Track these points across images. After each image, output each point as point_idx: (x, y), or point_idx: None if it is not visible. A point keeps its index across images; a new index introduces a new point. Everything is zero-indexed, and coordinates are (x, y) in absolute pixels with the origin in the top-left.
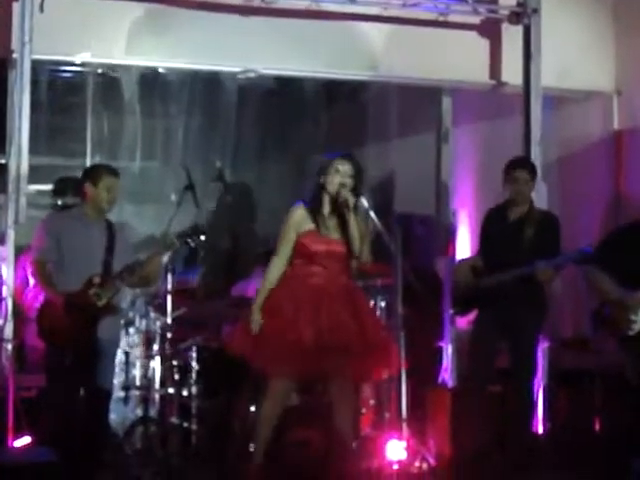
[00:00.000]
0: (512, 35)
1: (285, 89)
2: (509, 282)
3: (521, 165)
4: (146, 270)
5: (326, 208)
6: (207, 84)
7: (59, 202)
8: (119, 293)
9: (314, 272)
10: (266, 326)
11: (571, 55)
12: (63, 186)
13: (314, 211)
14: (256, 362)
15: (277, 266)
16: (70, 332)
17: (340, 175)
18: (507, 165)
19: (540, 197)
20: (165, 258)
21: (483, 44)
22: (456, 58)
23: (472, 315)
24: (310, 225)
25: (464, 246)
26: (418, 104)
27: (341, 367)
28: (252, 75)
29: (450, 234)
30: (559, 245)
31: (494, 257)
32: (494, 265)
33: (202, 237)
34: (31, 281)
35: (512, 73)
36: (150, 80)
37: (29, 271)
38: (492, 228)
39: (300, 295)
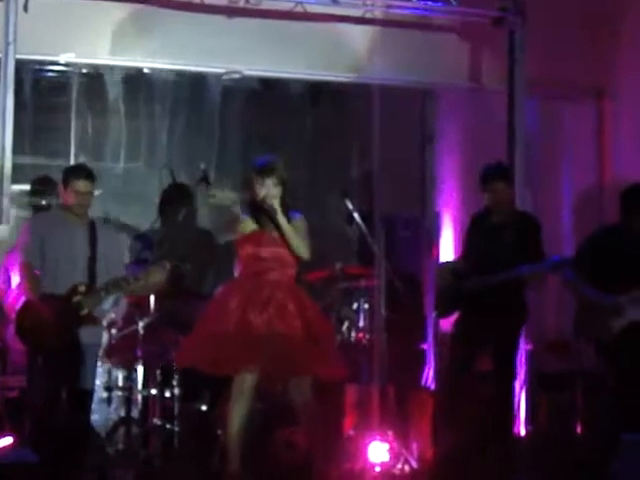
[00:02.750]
0: (495, 38)
1: (269, 90)
2: (493, 285)
3: (497, 176)
4: (137, 285)
5: (263, 217)
6: (191, 85)
7: (42, 202)
8: (102, 304)
9: (262, 270)
10: (215, 326)
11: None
12: (41, 186)
13: (257, 220)
14: (212, 367)
15: None
16: (50, 334)
17: (264, 188)
18: (482, 175)
19: (524, 203)
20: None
21: (466, 46)
22: (439, 60)
23: (454, 317)
24: (255, 228)
25: (448, 248)
26: (402, 105)
27: (292, 357)
28: (237, 76)
29: (434, 236)
30: (541, 247)
31: (476, 261)
32: (476, 269)
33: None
34: (13, 282)
35: (496, 75)
36: (134, 80)
37: (14, 272)
38: (475, 233)
39: (247, 291)
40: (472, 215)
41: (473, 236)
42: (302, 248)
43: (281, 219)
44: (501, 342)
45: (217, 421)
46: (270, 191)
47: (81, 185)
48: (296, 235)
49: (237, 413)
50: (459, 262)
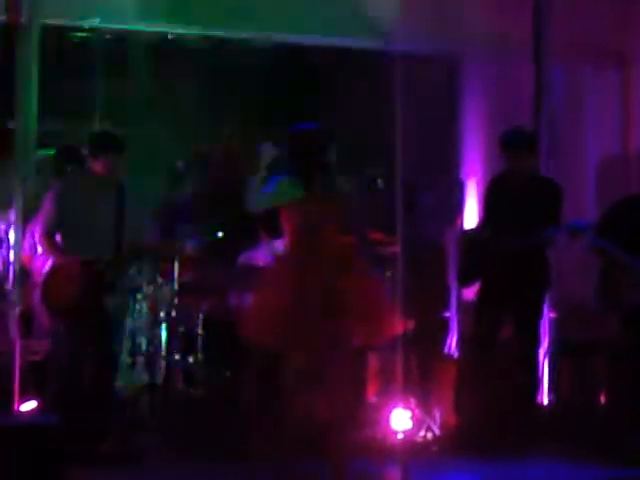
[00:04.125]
0: (521, 4)
1: (295, 56)
2: (515, 251)
3: (518, 142)
4: (162, 252)
5: (311, 179)
6: (216, 50)
7: (68, 168)
8: (126, 271)
9: (312, 240)
10: (274, 301)
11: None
12: (66, 153)
13: (301, 182)
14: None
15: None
16: (75, 299)
17: (327, 154)
18: (503, 140)
19: (549, 171)
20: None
21: (492, 13)
22: (464, 27)
23: (477, 286)
24: (298, 195)
25: (472, 217)
26: (426, 73)
27: (341, 333)
28: (262, 41)
29: (458, 205)
30: (560, 214)
31: (496, 226)
32: (496, 235)
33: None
34: (39, 248)
35: (522, 42)
36: (159, 46)
37: (38, 239)
38: (494, 198)
39: (300, 264)
40: (491, 179)
41: (493, 201)
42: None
43: (335, 179)
44: (523, 308)
45: (241, 386)
46: (330, 157)
47: (111, 157)
48: (344, 199)
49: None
50: (480, 229)
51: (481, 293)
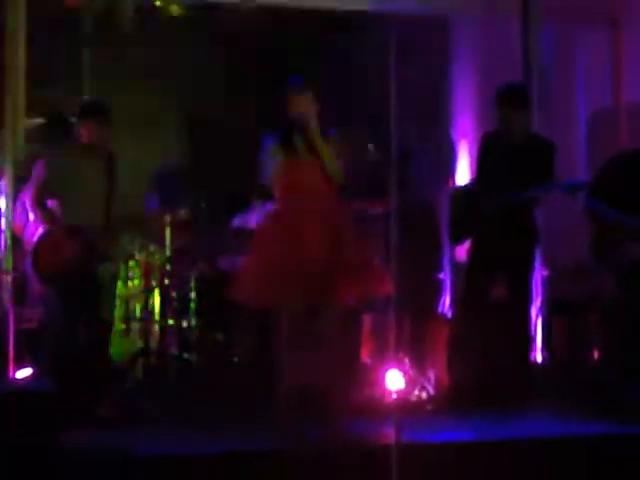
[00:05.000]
0: None
1: (283, 21)
2: (507, 207)
3: (514, 98)
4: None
5: (297, 139)
6: (205, 16)
7: (57, 137)
8: (116, 241)
9: (299, 201)
10: (259, 262)
11: None
12: (56, 121)
13: (285, 144)
14: (259, 301)
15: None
16: (66, 267)
17: (301, 105)
18: (497, 96)
19: (540, 129)
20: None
21: None
22: None
23: (468, 244)
24: (282, 157)
25: (464, 177)
26: (415, 35)
27: (330, 289)
28: (251, 5)
29: (450, 165)
30: (553, 171)
31: (490, 183)
32: (489, 191)
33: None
34: (31, 216)
35: (510, 1)
36: (147, 13)
37: (29, 207)
38: (488, 154)
39: (286, 225)
40: (484, 135)
41: (486, 157)
42: (336, 169)
43: (318, 138)
44: (514, 265)
45: (234, 349)
46: (307, 108)
47: (101, 126)
48: (331, 156)
49: (288, 344)
50: (472, 185)
51: (472, 252)
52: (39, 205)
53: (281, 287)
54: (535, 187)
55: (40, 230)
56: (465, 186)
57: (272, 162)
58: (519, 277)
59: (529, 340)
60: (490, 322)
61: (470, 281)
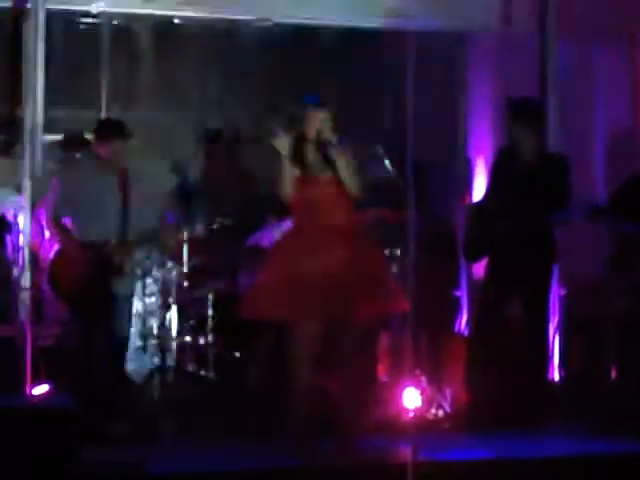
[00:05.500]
0: None
1: (300, 38)
2: (525, 230)
3: (519, 114)
4: (165, 240)
5: (310, 155)
6: (222, 33)
7: (75, 154)
8: (132, 256)
9: (316, 216)
10: (274, 278)
11: None
12: (74, 139)
13: (297, 161)
14: (274, 316)
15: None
16: (82, 284)
17: (319, 122)
18: (509, 111)
19: (557, 146)
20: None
21: None
22: (469, 3)
23: (485, 263)
24: (296, 173)
25: (480, 193)
26: (433, 52)
27: (347, 306)
28: (269, 24)
29: (466, 182)
30: (569, 189)
31: (504, 201)
32: (504, 209)
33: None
34: (47, 233)
35: (528, 17)
36: (165, 30)
37: (44, 224)
38: (502, 171)
39: (303, 240)
40: (499, 151)
41: (500, 174)
42: (355, 183)
43: (336, 153)
44: (531, 285)
45: (252, 367)
46: (324, 125)
47: (117, 144)
48: (350, 170)
49: (303, 359)
50: (486, 202)
51: (488, 269)
52: (55, 222)
53: (296, 303)
54: (555, 212)
55: (56, 247)
56: (479, 203)
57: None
58: (536, 295)
59: (546, 358)
60: (507, 340)
61: (486, 299)
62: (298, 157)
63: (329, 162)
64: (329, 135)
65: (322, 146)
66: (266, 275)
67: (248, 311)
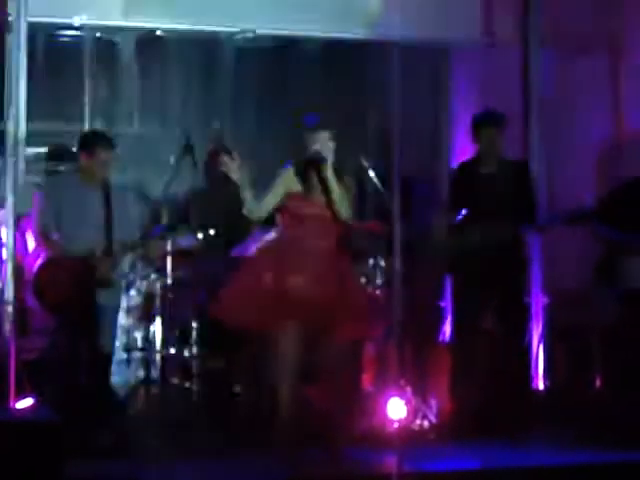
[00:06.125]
0: None
1: (283, 49)
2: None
3: (487, 122)
4: (148, 250)
5: (311, 174)
6: (205, 45)
7: (59, 168)
8: (117, 267)
9: (302, 234)
10: (252, 284)
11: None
12: (57, 152)
13: (301, 176)
14: (246, 323)
15: (253, 210)
16: (67, 296)
17: (318, 142)
18: (473, 122)
19: (539, 157)
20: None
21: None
22: (452, 15)
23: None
24: (298, 187)
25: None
26: (415, 63)
27: (327, 322)
28: (250, 35)
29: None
30: (534, 195)
31: (469, 213)
32: (470, 221)
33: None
34: (30, 246)
35: (509, 28)
36: (148, 42)
37: (30, 236)
38: (464, 183)
39: (286, 254)
40: (459, 164)
41: (462, 186)
42: (345, 209)
43: (331, 177)
44: (503, 297)
45: (236, 379)
46: (325, 145)
47: (103, 153)
48: (344, 195)
49: (286, 371)
50: (455, 216)
51: (459, 282)
52: (42, 235)
53: (279, 315)
54: (525, 221)
55: (40, 260)
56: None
57: (281, 188)
58: (509, 306)
59: (528, 368)
60: (487, 350)
61: (459, 311)
62: (301, 175)
63: (323, 183)
64: (328, 156)
65: (318, 168)
66: (242, 279)
67: (220, 311)
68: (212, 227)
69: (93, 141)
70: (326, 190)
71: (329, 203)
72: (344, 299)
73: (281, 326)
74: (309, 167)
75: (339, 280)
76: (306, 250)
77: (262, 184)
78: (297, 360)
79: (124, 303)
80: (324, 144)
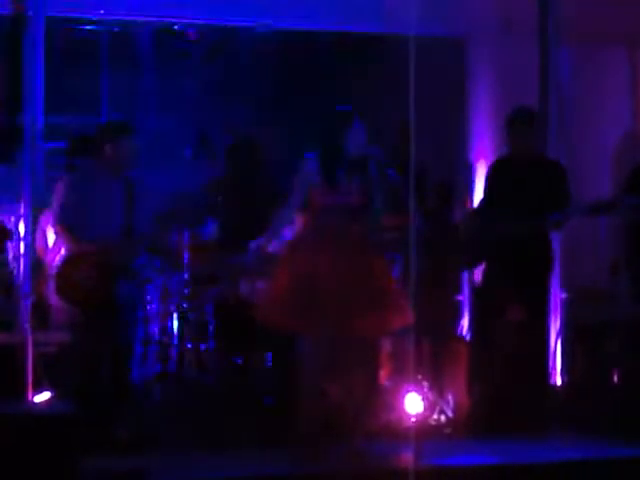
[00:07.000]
0: None
1: (300, 43)
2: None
3: (518, 119)
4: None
5: (339, 163)
6: (221, 39)
7: (77, 161)
8: (136, 257)
9: (326, 225)
10: (291, 284)
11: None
12: (78, 145)
13: (326, 165)
14: (290, 325)
15: (285, 217)
16: (89, 290)
17: (357, 136)
18: (506, 120)
19: (558, 152)
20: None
21: None
22: (469, 7)
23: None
24: (318, 179)
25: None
26: (432, 57)
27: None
28: (267, 29)
29: (467, 188)
30: (569, 194)
31: (501, 208)
32: (501, 216)
33: None
34: (50, 241)
35: (528, 22)
36: (164, 36)
37: (51, 232)
38: (497, 179)
39: (316, 249)
40: (494, 160)
41: (496, 182)
42: (379, 202)
43: (365, 172)
44: (528, 290)
45: (252, 373)
46: (361, 140)
47: (128, 143)
48: (375, 188)
49: (315, 371)
50: (484, 208)
51: (486, 275)
52: (64, 228)
53: (313, 316)
54: (555, 211)
55: (62, 253)
56: (477, 209)
57: (307, 184)
58: (534, 300)
59: (547, 363)
60: (507, 345)
61: (485, 304)
62: (326, 167)
63: (356, 176)
64: (363, 151)
65: (354, 161)
66: (275, 281)
67: (264, 316)
68: (234, 218)
69: (114, 130)
70: (361, 182)
71: (363, 193)
72: (369, 294)
73: (313, 327)
74: (337, 160)
75: (364, 274)
76: (335, 240)
77: (281, 177)
78: (322, 360)
79: (142, 296)
80: (360, 139)
